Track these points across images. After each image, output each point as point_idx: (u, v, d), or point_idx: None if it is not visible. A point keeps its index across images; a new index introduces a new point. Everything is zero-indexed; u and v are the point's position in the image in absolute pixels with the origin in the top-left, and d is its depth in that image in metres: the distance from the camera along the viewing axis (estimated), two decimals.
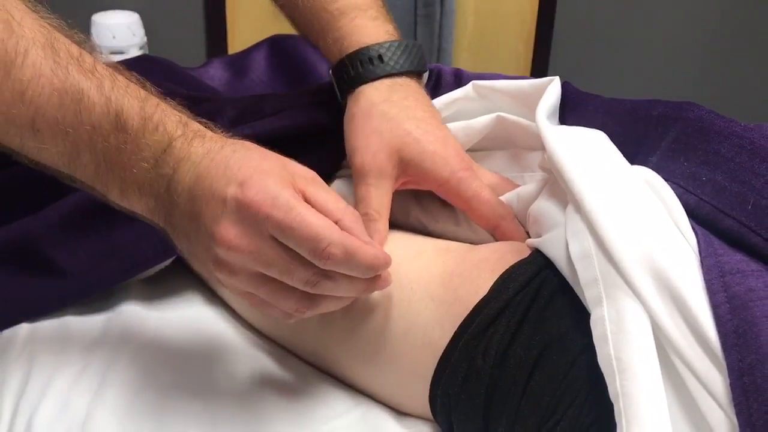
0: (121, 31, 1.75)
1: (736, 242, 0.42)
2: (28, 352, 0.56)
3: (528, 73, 1.85)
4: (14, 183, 0.62)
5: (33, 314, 0.59)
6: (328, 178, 0.62)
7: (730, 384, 0.35)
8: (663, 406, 0.36)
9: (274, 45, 0.92)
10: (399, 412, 0.52)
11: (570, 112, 0.61)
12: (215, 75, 0.89)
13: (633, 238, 0.40)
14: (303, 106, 0.62)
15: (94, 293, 0.60)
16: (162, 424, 0.50)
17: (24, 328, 0.58)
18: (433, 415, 0.49)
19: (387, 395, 0.52)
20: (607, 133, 0.52)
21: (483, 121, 0.59)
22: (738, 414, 0.34)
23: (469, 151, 0.61)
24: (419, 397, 0.48)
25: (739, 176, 0.44)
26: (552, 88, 0.55)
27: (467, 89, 0.60)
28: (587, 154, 0.47)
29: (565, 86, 0.64)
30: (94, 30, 1.75)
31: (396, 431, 0.50)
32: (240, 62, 0.91)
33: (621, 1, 1.86)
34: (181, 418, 0.50)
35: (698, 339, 0.37)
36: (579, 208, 0.44)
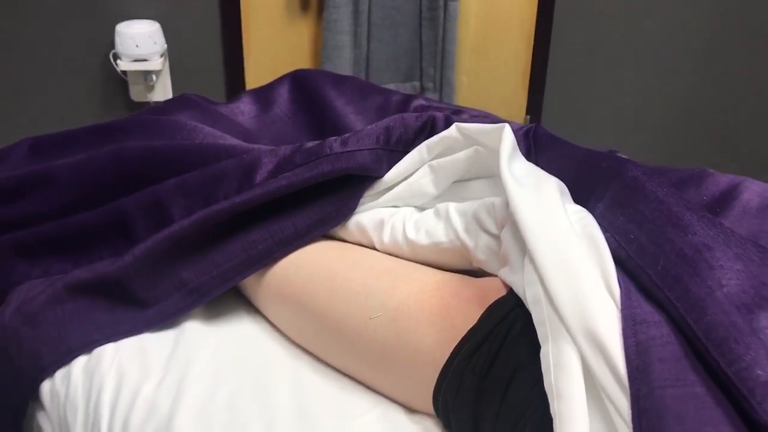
0: (143, 40, 1.83)
1: (649, 295, 0.52)
2: (116, 365, 0.70)
3: (528, 72, 1.94)
4: (93, 228, 0.77)
5: (118, 338, 0.72)
6: (350, 213, 0.74)
7: (630, 406, 0.46)
8: (586, 424, 0.47)
9: (296, 81, 1.03)
10: (410, 410, 0.66)
11: (540, 154, 0.74)
12: (245, 109, 1.01)
13: (571, 294, 0.51)
14: (326, 157, 0.74)
15: (170, 321, 0.73)
16: (230, 422, 0.63)
17: (110, 345, 0.72)
18: (435, 413, 0.63)
19: (401, 398, 0.66)
20: (566, 176, 0.63)
21: (466, 152, 0.72)
22: (634, 429, 0.45)
23: (456, 181, 0.74)
24: (425, 399, 0.62)
25: (655, 238, 0.53)
26: (506, 137, 0.65)
27: (451, 129, 0.72)
28: (543, 215, 0.56)
29: (537, 129, 0.77)
30: (118, 39, 1.84)
31: (408, 424, 0.65)
32: (266, 96, 1.03)
33: (618, 4, 1.88)
34: (243, 416, 0.64)
35: (613, 373, 0.48)
36: (532, 261, 0.55)
